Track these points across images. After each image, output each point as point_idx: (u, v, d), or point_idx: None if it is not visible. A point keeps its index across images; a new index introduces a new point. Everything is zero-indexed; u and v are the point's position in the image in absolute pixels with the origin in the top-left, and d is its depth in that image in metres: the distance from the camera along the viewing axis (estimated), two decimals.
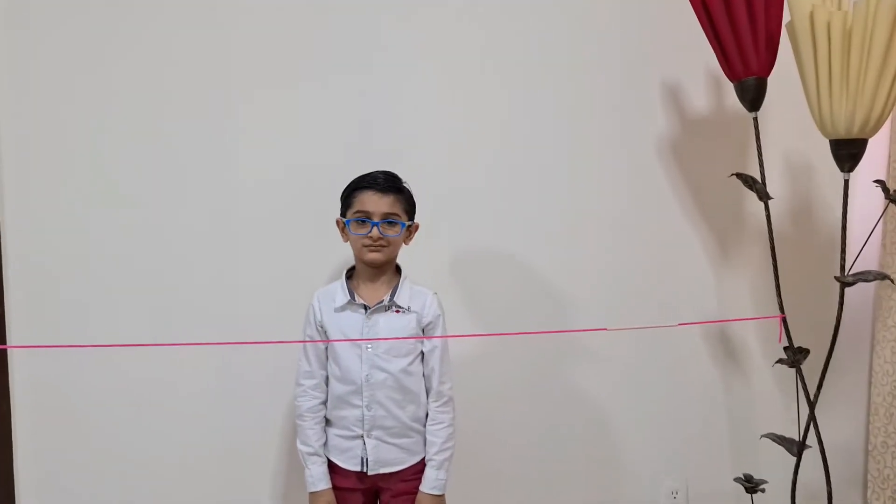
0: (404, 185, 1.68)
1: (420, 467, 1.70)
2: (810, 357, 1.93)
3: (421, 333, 1.70)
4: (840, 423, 2.26)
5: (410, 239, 1.73)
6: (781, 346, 1.96)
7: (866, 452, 2.30)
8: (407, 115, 2.01)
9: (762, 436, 2.03)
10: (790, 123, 2.13)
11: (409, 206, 1.70)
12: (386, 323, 1.67)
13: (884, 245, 2.21)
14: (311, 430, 1.69)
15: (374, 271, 1.69)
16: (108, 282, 1.92)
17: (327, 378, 1.71)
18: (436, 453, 1.68)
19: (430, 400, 1.71)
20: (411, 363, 1.68)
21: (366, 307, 1.67)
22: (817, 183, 2.24)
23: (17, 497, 1.93)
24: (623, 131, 2.13)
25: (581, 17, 2.09)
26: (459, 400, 1.75)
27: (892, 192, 1.92)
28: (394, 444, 1.68)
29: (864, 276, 1.86)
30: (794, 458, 1.97)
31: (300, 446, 1.70)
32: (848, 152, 1.78)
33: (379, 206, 1.63)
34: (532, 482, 2.15)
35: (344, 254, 1.80)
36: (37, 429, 1.93)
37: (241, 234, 1.96)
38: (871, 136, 1.77)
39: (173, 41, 1.92)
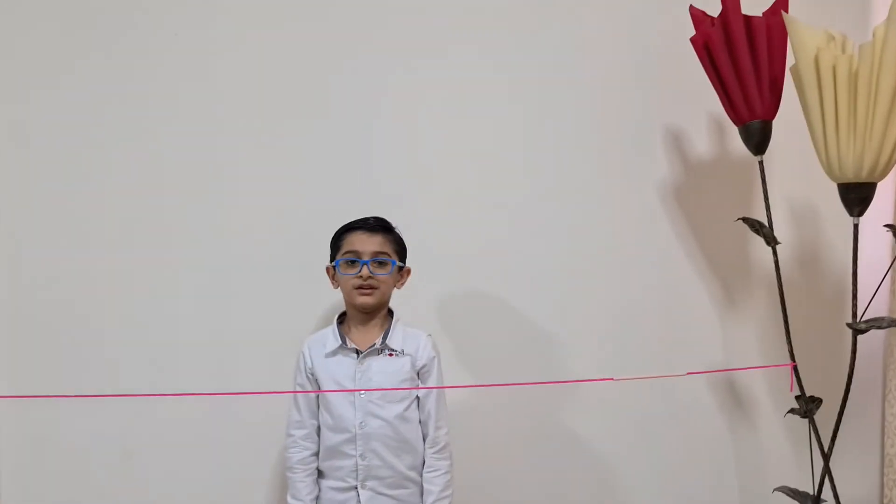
0: (394, 228, 1.67)
1: None
2: (821, 407, 1.88)
3: (416, 377, 1.66)
4: (854, 474, 2.19)
5: (402, 283, 1.70)
6: (791, 396, 1.90)
7: None
8: (405, 161, 2.01)
9: (775, 489, 1.96)
10: (796, 167, 2.11)
11: (400, 248, 1.68)
12: (379, 367, 1.63)
13: (893, 291, 2.17)
14: (302, 482, 1.64)
15: (366, 315, 1.66)
16: (97, 331, 1.92)
17: (319, 428, 1.65)
18: (434, 502, 1.62)
19: (426, 447, 1.66)
20: (407, 408, 1.63)
21: (358, 351, 1.63)
22: (824, 227, 2.21)
23: None
24: (627, 177, 2.11)
25: (585, 64, 2.09)
26: (455, 452, 1.70)
27: None
28: (390, 496, 1.62)
29: (878, 323, 1.81)
30: None
31: (290, 500, 1.65)
32: (857, 196, 1.76)
33: (367, 245, 1.61)
34: None
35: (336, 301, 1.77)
36: (23, 478, 1.90)
37: (232, 283, 1.95)
38: (879, 180, 1.75)
39: (168, 89, 1.93)
